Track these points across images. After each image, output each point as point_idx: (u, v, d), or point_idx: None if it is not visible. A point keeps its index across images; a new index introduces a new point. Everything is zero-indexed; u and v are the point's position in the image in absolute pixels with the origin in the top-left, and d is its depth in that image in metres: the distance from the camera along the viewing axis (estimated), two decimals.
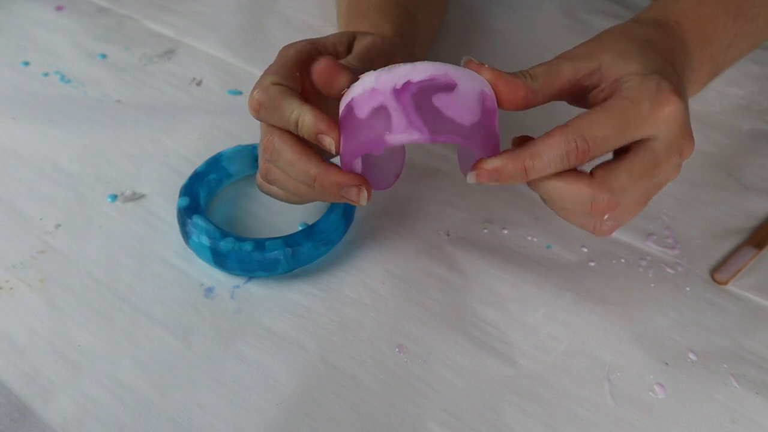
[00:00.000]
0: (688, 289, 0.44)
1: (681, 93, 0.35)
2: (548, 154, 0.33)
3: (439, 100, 0.33)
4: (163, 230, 0.47)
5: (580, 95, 0.37)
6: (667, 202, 0.49)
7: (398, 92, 0.33)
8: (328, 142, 0.35)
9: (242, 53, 0.63)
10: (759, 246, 0.46)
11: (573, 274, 0.45)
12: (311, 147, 0.37)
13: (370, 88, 0.34)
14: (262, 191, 0.42)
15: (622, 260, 0.46)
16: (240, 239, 0.42)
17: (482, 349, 0.41)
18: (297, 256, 0.43)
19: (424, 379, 0.39)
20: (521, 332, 0.41)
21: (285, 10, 0.69)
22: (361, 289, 0.44)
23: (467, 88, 0.34)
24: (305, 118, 0.36)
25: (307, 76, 0.38)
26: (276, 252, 0.42)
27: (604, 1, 0.69)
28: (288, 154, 0.37)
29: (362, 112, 0.34)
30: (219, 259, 0.43)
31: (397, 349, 0.41)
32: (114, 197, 0.49)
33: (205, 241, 0.42)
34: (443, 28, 0.66)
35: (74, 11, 0.69)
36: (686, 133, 0.35)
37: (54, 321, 0.42)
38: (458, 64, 0.36)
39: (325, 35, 0.41)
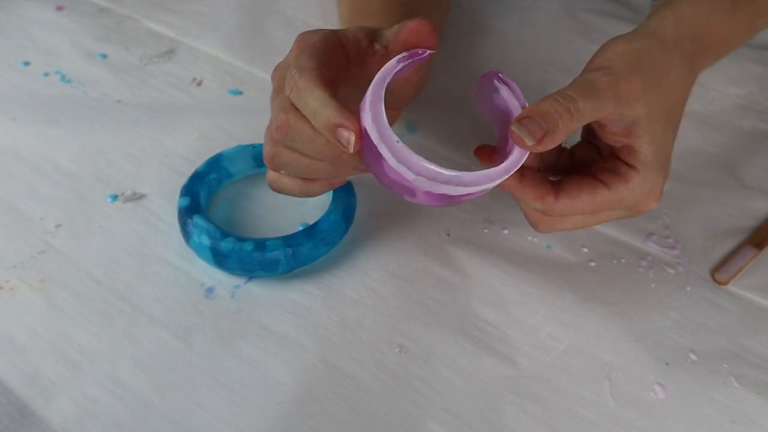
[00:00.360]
0: (688, 289, 0.44)
1: (660, 194, 0.39)
2: (521, 198, 0.38)
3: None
4: (163, 230, 0.47)
5: (599, 133, 0.39)
6: (667, 202, 0.49)
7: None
8: (346, 137, 0.34)
9: (242, 53, 0.63)
10: (759, 246, 0.46)
11: (573, 274, 0.45)
12: None
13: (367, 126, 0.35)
14: (274, 189, 0.41)
15: (623, 260, 0.46)
16: (240, 239, 0.42)
17: (482, 349, 0.41)
18: (297, 256, 0.43)
19: (425, 379, 0.39)
20: (521, 332, 0.41)
21: (285, 10, 0.69)
22: (362, 289, 0.44)
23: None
24: (325, 109, 0.34)
25: (333, 61, 0.37)
26: (276, 252, 0.42)
27: (604, 1, 0.69)
28: (305, 126, 0.36)
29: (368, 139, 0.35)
30: (219, 259, 0.43)
31: (397, 349, 0.41)
32: (114, 197, 0.49)
33: (205, 241, 0.42)
34: (450, 30, 0.66)
35: (74, 11, 0.69)
36: (652, 200, 0.39)
37: (54, 321, 0.42)
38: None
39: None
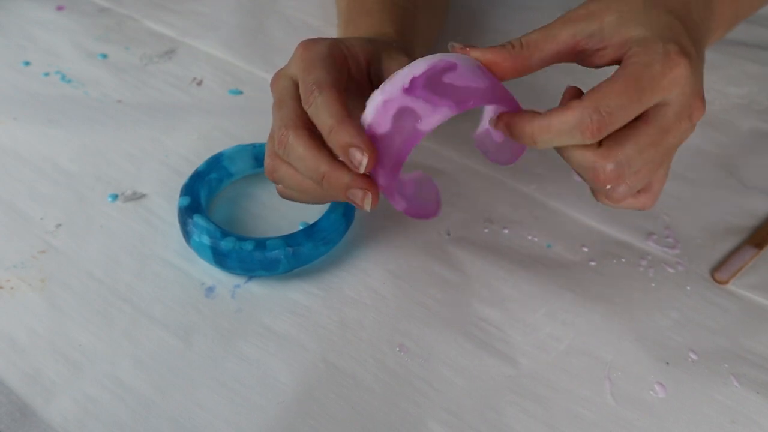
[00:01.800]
0: (688, 288, 0.44)
1: (689, 53, 0.34)
2: (559, 128, 0.33)
3: (449, 78, 0.34)
4: (163, 230, 0.47)
5: (583, 57, 0.36)
6: (667, 202, 0.49)
7: (409, 90, 0.34)
8: (359, 158, 0.34)
9: (242, 53, 0.63)
10: (759, 245, 0.46)
11: (573, 274, 0.45)
12: (324, 145, 0.36)
13: (381, 102, 0.35)
14: (282, 197, 0.41)
15: (623, 260, 0.46)
16: (241, 239, 0.42)
17: (483, 349, 0.41)
18: (297, 255, 0.43)
19: (425, 378, 0.39)
20: (522, 332, 0.42)
21: (285, 10, 0.69)
22: (362, 289, 0.44)
23: (466, 64, 0.35)
24: (341, 132, 0.35)
25: (338, 72, 0.38)
26: (277, 251, 0.42)
27: None
28: (300, 148, 0.36)
29: (385, 126, 0.35)
30: (220, 258, 0.43)
31: (397, 349, 0.41)
32: (114, 197, 0.49)
33: (205, 240, 0.42)
34: (446, 29, 0.66)
35: (74, 11, 0.69)
36: (697, 94, 0.34)
37: (54, 321, 0.42)
38: None
39: (341, 39, 0.40)
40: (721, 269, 0.45)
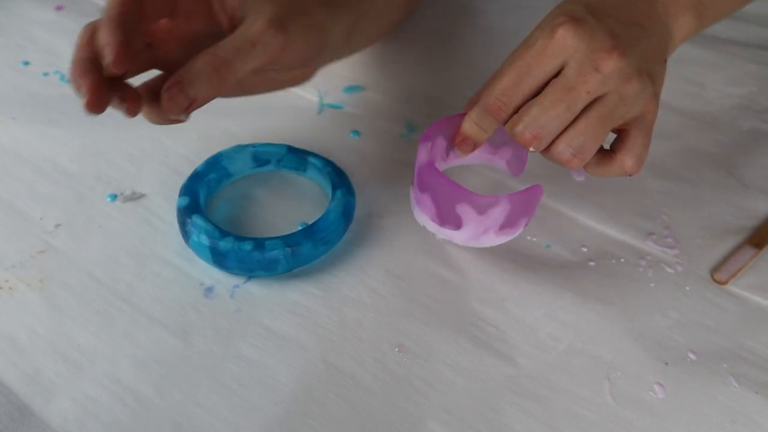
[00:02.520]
0: (687, 288, 0.44)
1: (578, 17, 0.36)
2: (475, 117, 0.39)
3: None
4: (163, 230, 0.47)
5: None
6: (666, 202, 0.49)
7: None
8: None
9: None
10: (759, 246, 0.46)
11: (573, 274, 0.45)
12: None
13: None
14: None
15: (622, 260, 0.46)
16: (240, 239, 0.42)
17: (482, 349, 0.41)
18: (297, 255, 0.43)
19: (425, 378, 0.39)
20: (521, 332, 0.42)
21: None
22: (361, 289, 0.44)
23: None
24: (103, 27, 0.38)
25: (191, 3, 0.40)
26: (276, 251, 0.42)
27: None
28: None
29: None
30: (218, 258, 0.43)
31: (397, 349, 0.41)
32: (114, 197, 0.49)
33: (204, 240, 0.42)
34: (443, 28, 0.66)
35: (74, 11, 0.69)
36: (597, 47, 0.36)
37: (54, 321, 0.42)
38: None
39: None
40: (720, 269, 0.45)
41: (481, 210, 0.39)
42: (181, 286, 0.44)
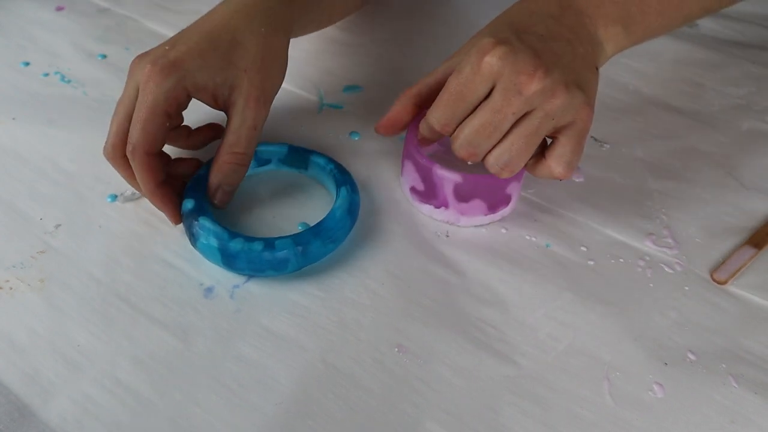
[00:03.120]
0: (687, 288, 0.44)
1: (507, 40, 0.39)
2: (424, 130, 0.44)
3: None
4: (162, 230, 0.47)
5: None
6: (666, 202, 0.49)
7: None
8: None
9: None
10: (758, 246, 0.46)
11: (572, 274, 0.45)
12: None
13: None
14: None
15: (621, 260, 0.46)
16: (249, 239, 0.42)
17: (481, 349, 0.41)
18: (306, 254, 0.43)
19: (424, 379, 0.39)
20: (520, 332, 0.42)
21: None
22: (361, 289, 0.44)
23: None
24: (154, 201, 0.45)
25: (175, 113, 0.43)
26: (285, 251, 0.42)
27: None
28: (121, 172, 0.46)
29: None
30: (228, 260, 0.43)
31: (396, 349, 0.41)
32: (114, 197, 0.49)
33: (213, 242, 0.42)
34: (443, 29, 0.66)
35: (74, 11, 0.69)
36: (520, 69, 0.38)
37: (54, 321, 0.42)
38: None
39: (199, 63, 0.43)
40: (720, 269, 0.45)
41: (439, 179, 0.45)
42: (180, 286, 0.44)
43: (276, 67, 0.45)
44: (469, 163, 0.43)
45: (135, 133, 0.42)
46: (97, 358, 0.40)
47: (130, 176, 0.45)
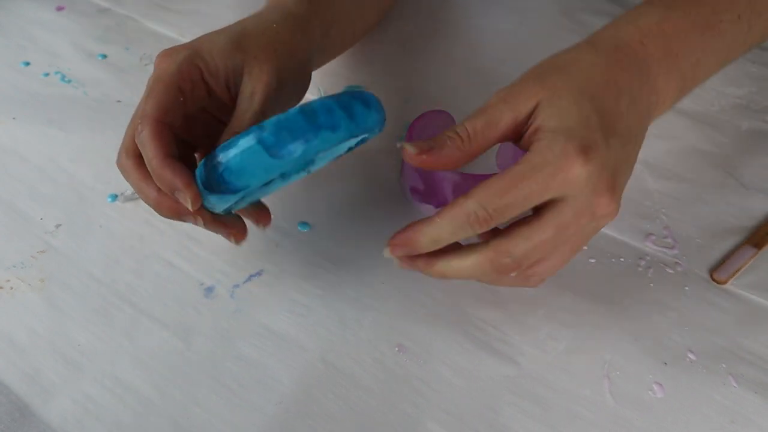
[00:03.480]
0: (687, 288, 0.44)
1: (592, 149, 0.34)
2: (450, 225, 0.34)
3: None
4: (162, 230, 0.47)
5: (518, 138, 0.37)
6: (666, 202, 0.49)
7: None
8: (183, 198, 0.36)
9: None
10: (758, 245, 0.46)
11: (572, 274, 0.45)
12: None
13: None
14: None
15: (621, 260, 0.46)
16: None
17: (482, 349, 0.41)
18: (353, 116, 0.36)
19: (424, 378, 0.39)
20: (521, 332, 0.42)
21: None
22: (361, 289, 0.44)
23: None
24: (162, 174, 0.37)
25: (189, 92, 0.40)
26: (328, 103, 0.35)
27: (604, 1, 0.69)
28: (131, 177, 0.39)
29: None
30: (275, 148, 0.34)
31: (396, 349, 0.41)
32: (114, 197, 0.49)
33: (247, 141, 0.35)
34: (443, 29, 0.66)
35: (74, 11, 0.69)
36: (600, 190, 0.34)
37: (54, 321, 0.42)
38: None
39: (208, 43, 0.40)
40: (719, 269, 0.45)
41: (439, 179, 0.41)
42: (180, 286, 0.44)
43: (291, 60, 0.42)
44: (505, 278, 0.36)
45: (145, 104, 0.38)
46: (98, 358, 0.40)
47: (143, 176, 0.39)
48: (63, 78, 0.61)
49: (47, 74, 0.61)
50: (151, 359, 0.40)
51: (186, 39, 0.65)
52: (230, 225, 0.40)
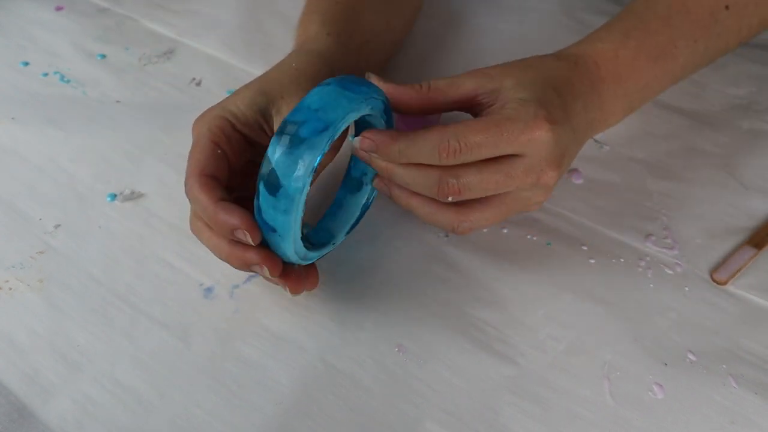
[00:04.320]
0: (687, 289, 0.44)
1: (557, 121, 0.38)
2: (422, 144, 0.37)
3: None
4: (162, 230, 0.47)
5: (476, 111, 0.40)
6: (666, 202, 0.49)
7: None
8: (243, 237, 0.37)
9: (242, 53, 0.63)
10: (758, 246, 0.46)
11: (572, 275, 0.45)
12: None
13: None
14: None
15: (622, 260, 0.46)
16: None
17: (482, 350, 0.41)
18: None
19: (423, 379, 0.39)
20: (521, 332, 0.42)
21: (285, 10, 0.69)
22: (361, 289, 0.44)
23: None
24: (218, 219, 0.37)
25: (226, 147, 0.40)
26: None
27: (604, 1, 0.69)
28: (203, 237, 0.39)
29: None
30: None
31: (396, 349, 0.41)
32: (113, 196, 0.49)
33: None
34: (444, 29, 0.66)
35: (74, 11, 0.69)
36: (551, 160, 0.39)
37: (53, 321, 0.42)
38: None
39: (233, 98, 0.41)
40: (720, 270, 0.45)
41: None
42: (180, 287, 0.44)
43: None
44: (443, 198, 0.39)
45: (187, 168, 0.39)
46: (97, 359, 0.40)
47: (213, 234, 0.39)
48: (62, 78, 0.61)
49: (46, 74, 0.61)
50: (151, 359, 0.40)
51: (185, 39, 0.65)
52: (301, 275, 0.40)
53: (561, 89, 0.40)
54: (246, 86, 0.42)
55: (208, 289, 0.44)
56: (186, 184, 0.38)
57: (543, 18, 0.67)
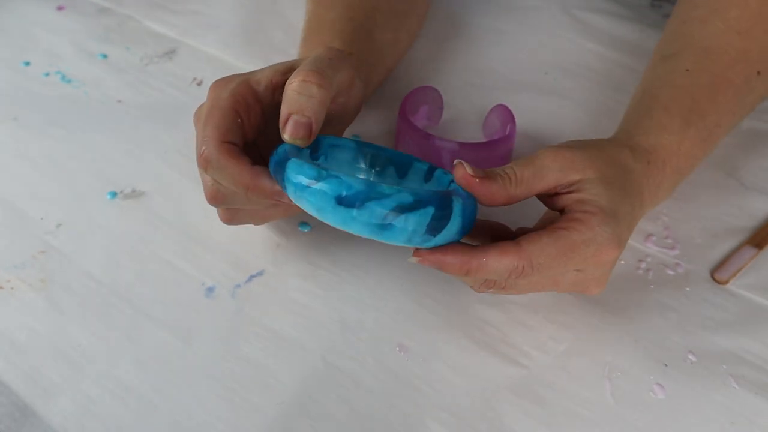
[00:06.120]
0: (687, 289, 0.44)
1: (623, 243, 0.37)
2: (495, 269, 0.35)
3: None
4: (163, 230, 0.47)
5: (552, 197, 0.38)
6: (666, 203, 0.49)
7: None
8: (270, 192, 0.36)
9: (243, 53, 0.63)
10: (759, 246, 0.46)
11: None
12: (245, 158, 0.37)
13: None
14: (229, 224, 0.42)
15: (622, 261, 0.46)
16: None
17: (483, 349, 0.41)
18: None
19: (425, 378, 0.39)
20: (522, 333, 0.42)
21: (285, 10, 0.69)
22: (362, 289, 0.44)
23: None
24: (261, 184, 0.36)
25: (245, 116, 0.39)
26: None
27: (603, 0, 0.69)
28: (224, 167, 0.37)
29: None
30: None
31: (397, 349, 0.41)
32: (114, 194, 0.49)
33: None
34: (444, 30, 0.66)
35: (75, 11, 0.69)
36: (602, 275, 0.38)
37: (55, 321, 0.42)
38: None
39: (256, 71, 0.40)
40: (720, 270, 0.45)
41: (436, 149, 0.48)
42: (181, 286, 0.44)
43: (338, 68, 0.41)
44: (480, 291, 0.38)
45: (204, 130, 0.37)
46: (98, 358, 0.40)
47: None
48: (63, 78, 0.61)
49: (48, 74, 0.61)
50: (152, 359, 0.40)
51: (186, 39, 0.65)
52: None
53: (634, 200, 0.39)
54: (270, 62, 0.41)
55: (210, 289, 0.44)
56: (203, 152, 0.37)
57: (543, 17, 0.67)
